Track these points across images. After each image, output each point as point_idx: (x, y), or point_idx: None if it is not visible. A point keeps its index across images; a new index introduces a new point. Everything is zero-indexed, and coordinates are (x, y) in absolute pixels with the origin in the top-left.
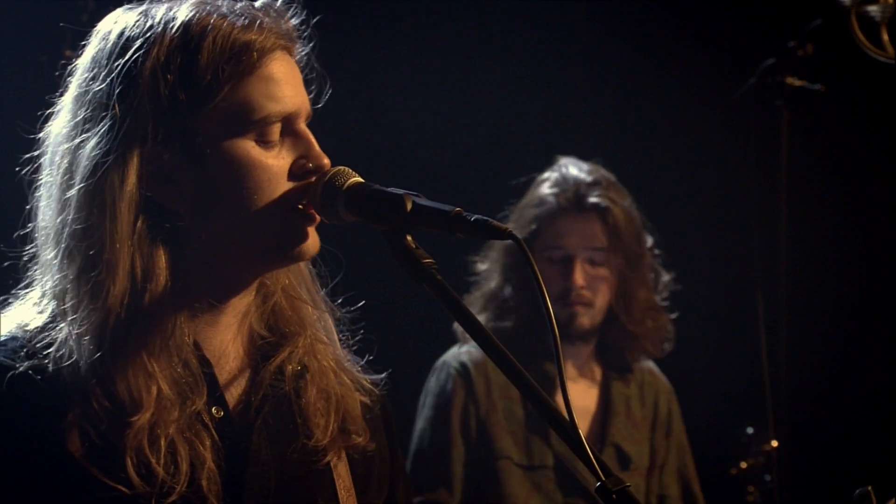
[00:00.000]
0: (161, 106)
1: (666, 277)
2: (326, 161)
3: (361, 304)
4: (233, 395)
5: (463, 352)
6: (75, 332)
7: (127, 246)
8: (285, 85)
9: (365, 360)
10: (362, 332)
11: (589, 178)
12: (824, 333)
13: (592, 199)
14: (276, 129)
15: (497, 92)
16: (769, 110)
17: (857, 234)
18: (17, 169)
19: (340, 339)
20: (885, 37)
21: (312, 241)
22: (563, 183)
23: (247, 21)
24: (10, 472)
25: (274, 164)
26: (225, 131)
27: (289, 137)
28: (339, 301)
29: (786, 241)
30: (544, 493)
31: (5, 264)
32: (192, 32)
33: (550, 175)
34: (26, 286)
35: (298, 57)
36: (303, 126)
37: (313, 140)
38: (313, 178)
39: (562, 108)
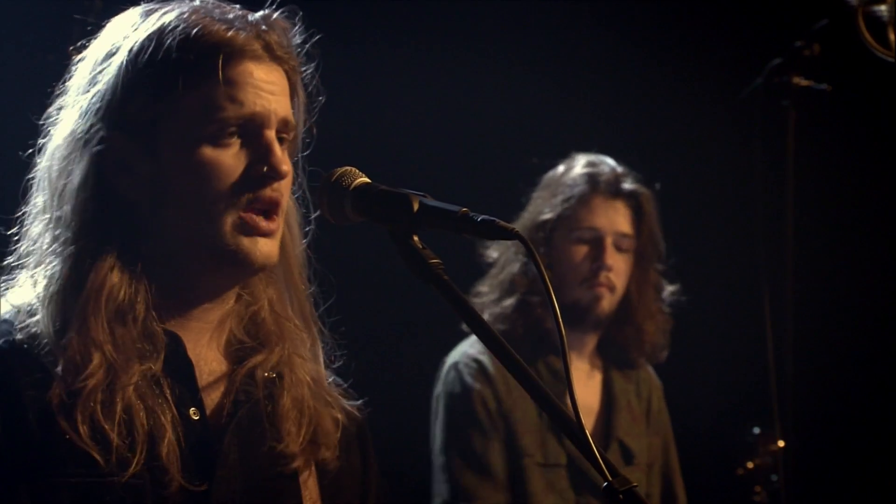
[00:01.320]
0: (124, 95)
1: (669, 289)
2: (286, 168)
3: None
4: (210, 396)
5: (476, 351)
6: (38, 303)
7: (77, 225)
8: (251, 89)
9: (349, 382)
10: (343, 353)
11: (621, 168)
12: (831, 333)
13: (627, 186)
14: (234, 130)
15: (504, 91)
16: (776, 110)
17: (863, 233)
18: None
19: (326, 363)
20: (893, 37)
21: (262, 252)
22: (599, 167)
23: (226, 25)
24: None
25: (227, 163)
26: (183, 128)
27: (249, 142)
28: (334, 319)
29: (792, 241)
30: (558, 492)
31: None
32: (167, 28)
33: (578, 160)
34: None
35: (292, 71)
36: (267, 132)
37: (275, 146)
38: (269, 186)
39: (568, 108)
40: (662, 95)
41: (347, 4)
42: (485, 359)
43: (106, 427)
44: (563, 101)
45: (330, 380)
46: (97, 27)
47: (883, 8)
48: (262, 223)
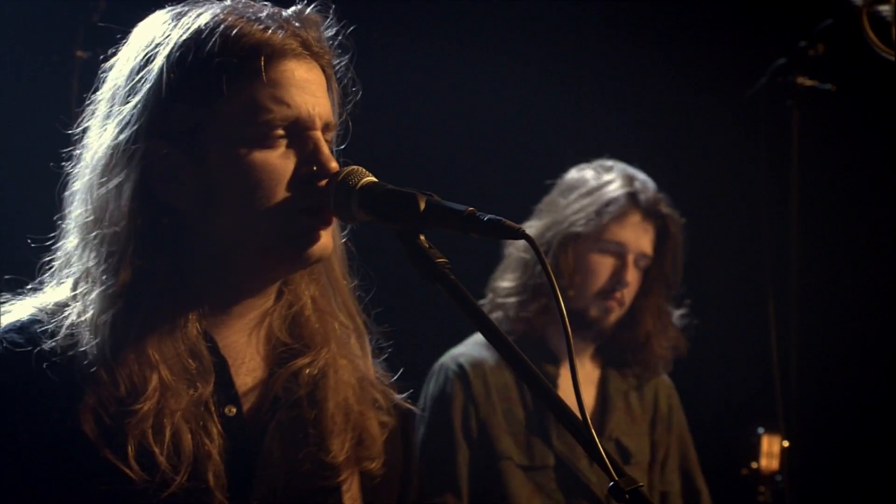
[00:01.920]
0: (166, 102)
1: (677, 313)
2: (334, 165)
3: (388, 323)
4: (247, 395)
5: (459, 354)
6: (82, 317)
7: (129, 240)
8: (295, 90)
9: (396, 375)
10: (390, 344)
11: (655, 186)
12: (835, 333)
13: (664, 210)
14: (281, 132)
15: (511, 91)
16: (780, 110)
17: (868, 233)
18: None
19: (373, 356)
20: None
21: (321, 245)
22: (639, 184)
23: (264, 25)
24: (26, 453)
25: (277, 164)
26: (228, 132)
27: (296, 142)
28: (376, 313)
29: (796, 241)
30: (546, 494)
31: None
32: (204, 33)
33: (614, 171)
34: (53, 275)
35: (328, 67)
36: (314, 133)
37: (322, 145)
38: (323, 182)
39: (573, 108)
40: (667, 95)
41: (360, 4)
42: (466, 364)
43: (155, 450)
44: (567, 100)
45: (379, 374)
46: (102, 28)
47: (887, 8)
48: (316, 221)
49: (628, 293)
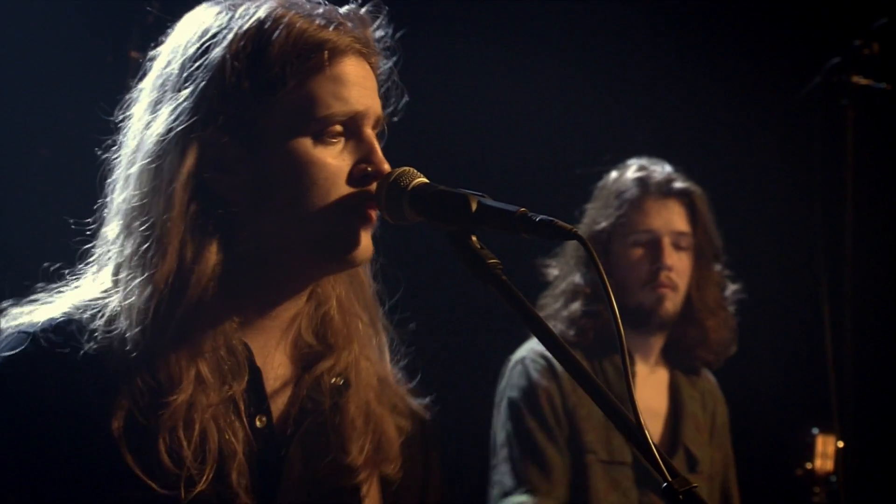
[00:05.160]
0: (225, 93)
1: (732, 287)
2: (387, 167)
3: (412, 325)
4: (276, 403)
5: (542, 348)
6: (123, 305)
7: (178, 227)
8: (353, 86)
9: (416, 380)
10: (414, 350)
11: (671, 168)
12: (889, 333)
13: (678, 185)
14: (339, 129)
15: (558, 93)
16: (834, 109)
17: None
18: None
19: (392, 360)
20: None
21: (365, 247)
22: (648, 169)
23: (324, 21)
24: (54, 451)
25: (332, 163)
26: (287, 125)
27: (352, 140)
28: (398, 318)
29: (852, 241)
30: (621, 490)
31: (77, 239)
32: (266, 25)
33: (630, 166)
34: (91, 262)
35: (378, 67)
36: (368, 130)
37: (376, 145)
38: (372, 184)
39: (625, 107)
40: (721, 95)
41: (400, 5)
42: (550, 355)
43: (183, 444)
44: (619, 97)
45: (397, 380)
46: (156, 29)
47: None
48: (361, 223)
49: (676, 276)
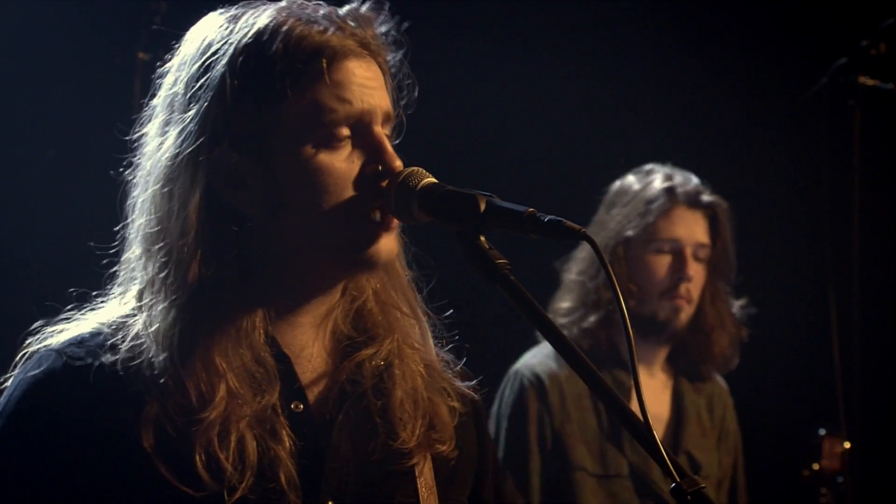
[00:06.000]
0: (231, 109)
1: (737, 304)
2: (398, 164)
3: (451, 311)
4: (313, 390)
5: (536, 363)
6: (148, 329)
7: (196, 248)
8: (356, 87)
9: (462, 363)
10: (457, 337)
11: (698, 180)
12: None
13: (706, 197)
14: (346, 131)
15: (566, 93)
16: (841, 110)
17: None
18: (114, 170)
19: (436, 345)
20: None
21: (386, 248)
22: (677, 178)
23: (322, 26)
24: (87, 466)
25: (342, 167)
26: (294, 134)
27: (360, 140)
28: (438, 305)
29: (858, 241)
30: (620, 502)
31: (104, 262)
32: (264, 36)
33: (654, 172)
34: (117, 285)
35: (386, 63)
36: (376, 129)
37: (385, 143)
38: (385, 183)
39: (633, 107)
40: (728, 95)
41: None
42: (543, 374)
43: (221, 457)
44: (627, 102)
45: (445, 361)
46: (163, 31)
47: None
48: (381, 227)
49: (693, 288)
